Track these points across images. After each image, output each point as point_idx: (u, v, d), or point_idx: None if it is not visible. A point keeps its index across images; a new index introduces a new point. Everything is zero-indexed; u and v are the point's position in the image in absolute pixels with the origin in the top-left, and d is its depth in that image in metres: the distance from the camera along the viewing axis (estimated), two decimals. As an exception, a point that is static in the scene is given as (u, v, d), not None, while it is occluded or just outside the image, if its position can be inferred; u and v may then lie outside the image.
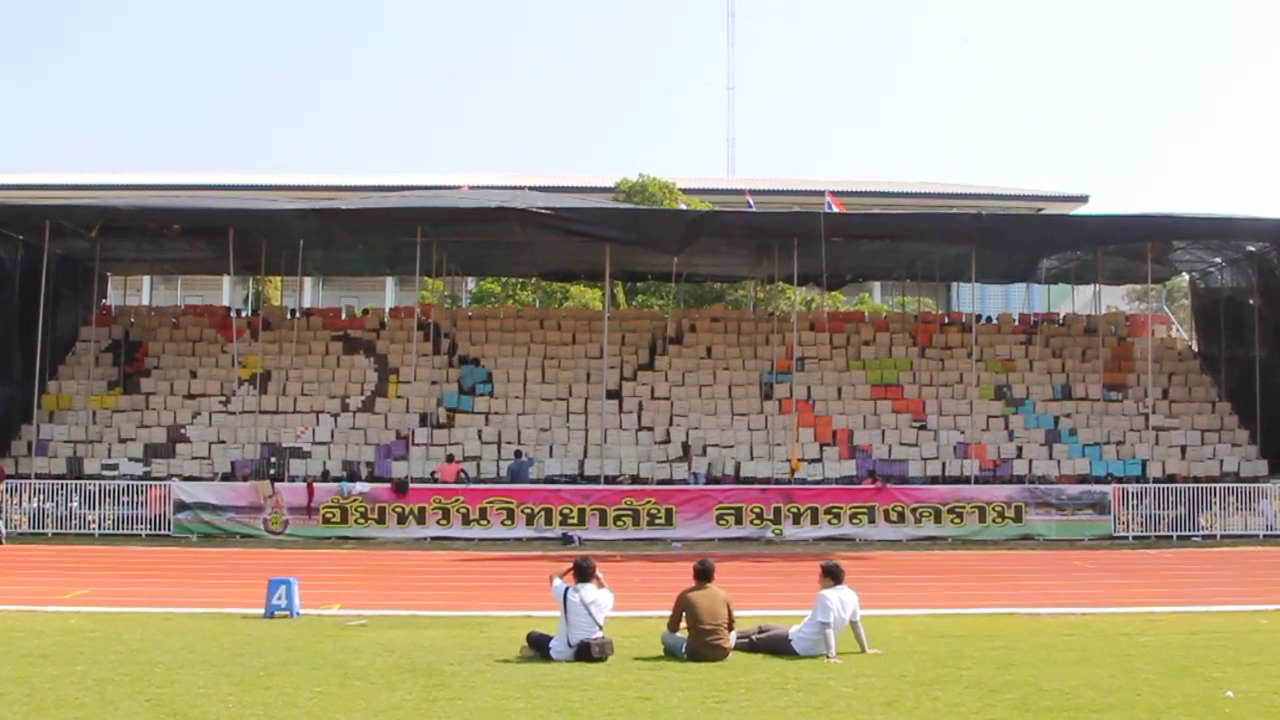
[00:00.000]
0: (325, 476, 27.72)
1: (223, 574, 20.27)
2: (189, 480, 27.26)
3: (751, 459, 29.22)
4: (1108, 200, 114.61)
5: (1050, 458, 29.55)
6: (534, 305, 41.14)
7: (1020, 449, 29.85)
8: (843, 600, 12.01)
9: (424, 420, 30.11)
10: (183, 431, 29.73)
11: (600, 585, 11.92)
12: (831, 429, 30.31)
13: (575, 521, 25.90)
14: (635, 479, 28.10)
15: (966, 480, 28.09)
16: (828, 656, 11.62)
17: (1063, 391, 32.15)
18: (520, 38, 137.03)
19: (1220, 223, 29.33)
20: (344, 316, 35.79)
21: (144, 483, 26.74)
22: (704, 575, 12.06)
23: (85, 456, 28.61)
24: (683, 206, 38.71)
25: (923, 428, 30.46)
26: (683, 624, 11.77)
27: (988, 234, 28.41)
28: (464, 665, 11.28)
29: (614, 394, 30.87)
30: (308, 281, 45.31)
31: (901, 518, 26.40)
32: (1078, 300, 42.38)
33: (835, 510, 26.42)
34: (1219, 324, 33.32)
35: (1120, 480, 28.16)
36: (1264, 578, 20.27)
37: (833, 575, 12.19)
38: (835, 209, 29.50)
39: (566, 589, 11.77)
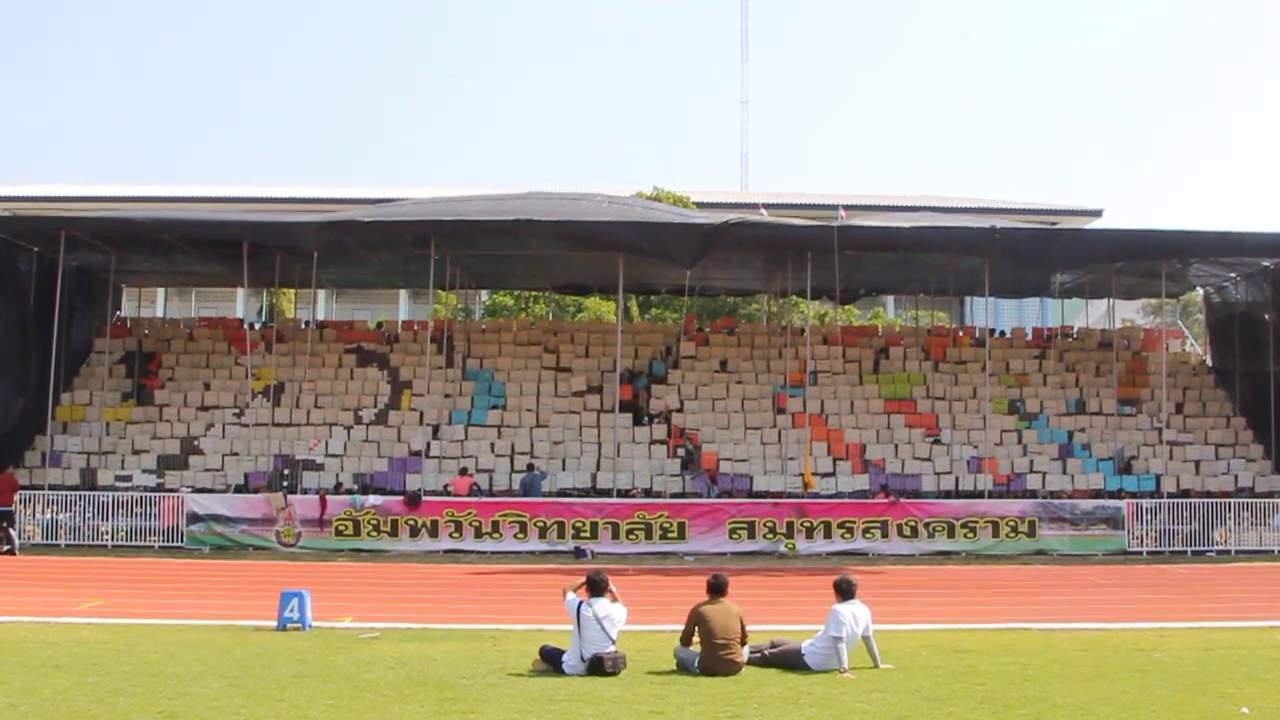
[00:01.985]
0: (338, 489, 27.76)
1: (235, 586, 20.28)
2: (202, 492, 27.35)
3: (764, 473, 29.18)
4: (1122, 214, 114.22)
5: (1064, 472, 29.45)
6: (547, 318, 41.18)
7: (1033, 463, 29.75)
8: (855, 615, 11.98)
9: (436, 433, 30.15)
10: (196, 443, 29.84)
11: (613, 599, 11.91)
12: (844, 443, 30.26)
13: (588, 535, 25.90)
14: (648, 492, 28.09)
15: (980, 495, 28.01)
16: (840, 671, 11.59)
17: (1076, 406, 32.05)
18: (536, 52, 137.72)
19: (1236, 238, 29.13)
20: (357, 329, 35.92)
21: (157, 494, 26.84)
22: (717, 589, 12.05)
23: (99, 468, 28.73)
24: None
25: (936, 442, 30.39)
26: (695, 638, 11.76)
27: (1002, 248, 28.31)
28: (476, 678, 11.28)
29: (627, 407, 30.87)
30: (321, 294, 45.37)
31: (915, 532, 26.32)
32: (1092, 314, 42.27)
33: (848, 524, 26.35)
34: (1234, 338, 33.21)
35: (1134, 495, 28.03)
36: (1279, 593, 20.13)
37: (845, 590, 12.16)
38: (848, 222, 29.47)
39: (580, 603, 11.76)
